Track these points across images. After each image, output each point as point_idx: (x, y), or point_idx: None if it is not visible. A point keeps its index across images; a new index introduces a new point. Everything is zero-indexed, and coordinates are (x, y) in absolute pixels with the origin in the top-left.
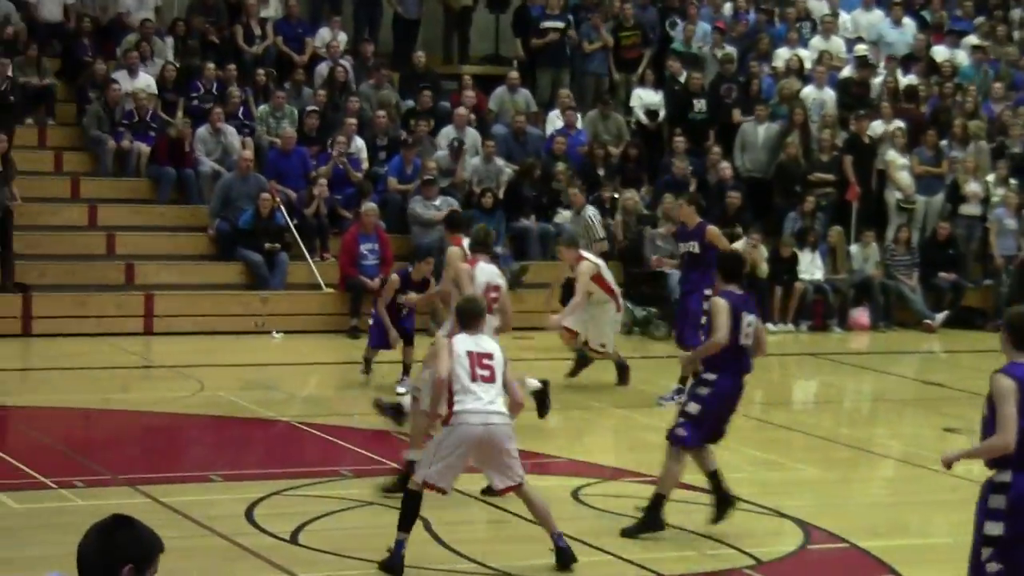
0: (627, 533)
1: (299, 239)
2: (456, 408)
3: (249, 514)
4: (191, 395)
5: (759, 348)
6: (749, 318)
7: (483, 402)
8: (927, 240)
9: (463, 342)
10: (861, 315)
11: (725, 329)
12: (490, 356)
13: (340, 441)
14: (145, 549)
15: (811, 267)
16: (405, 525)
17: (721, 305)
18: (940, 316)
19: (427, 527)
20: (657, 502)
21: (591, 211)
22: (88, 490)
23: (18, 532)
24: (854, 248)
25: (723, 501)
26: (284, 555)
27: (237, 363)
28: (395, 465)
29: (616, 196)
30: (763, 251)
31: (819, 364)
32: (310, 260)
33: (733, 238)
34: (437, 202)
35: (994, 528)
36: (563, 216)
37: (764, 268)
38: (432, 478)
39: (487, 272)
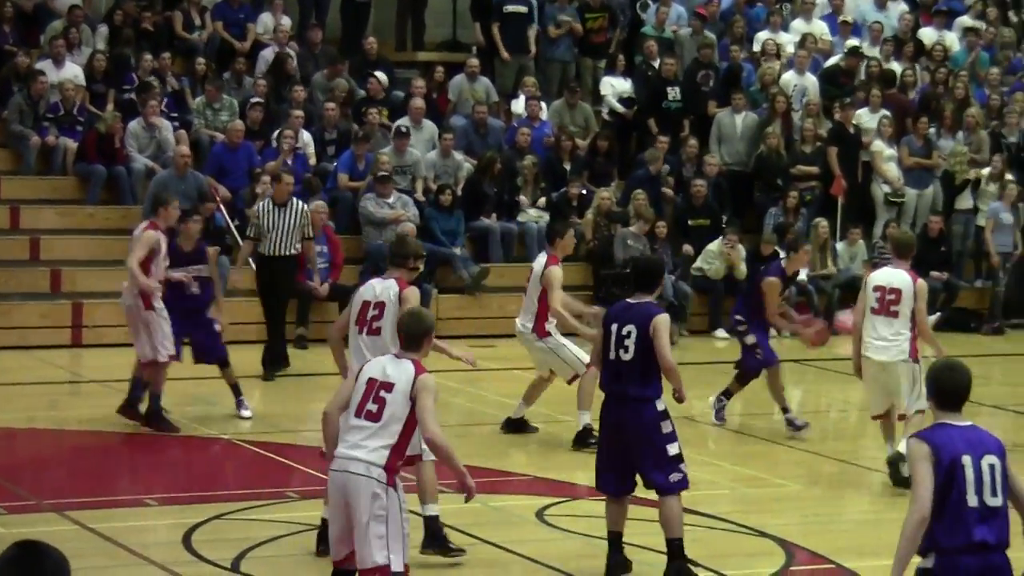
0: None
1: (241, 241)
2: None
3: (187, 540)
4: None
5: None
6: (628, 328)
7: (349, 444)
8: (918, 236)
9: (375, 366)
10: (848, 317)
11: (599, 344)
12: (389, 388)
13: (286, 460)
14: None
15: None
16: None
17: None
18: (932, 318)
19: None
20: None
21: None
22: (11, 517)
23: None
24: (840, 245)
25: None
26: None
27: (174, 377)
28: None
29: (584, 192)
30: (741, 251)
31: (803, 371)
32: (252, 264)
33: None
34: (391, 200)
35: None
36: (527, 215)
37: (742, 269)
38: (331, 552)
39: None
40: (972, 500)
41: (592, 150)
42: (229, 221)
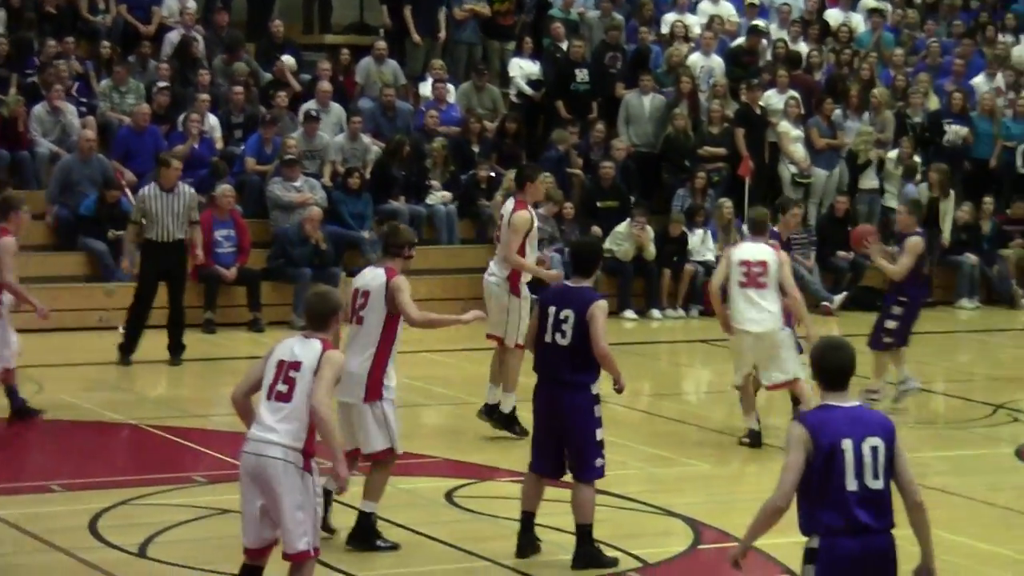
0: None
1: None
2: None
3: (93, 526)
4: (29, 398)
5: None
6: (565, 312)
7: (263, 427)
8: (824, 217)
9: (283, 347)
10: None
11: (528, 325)
12: (297, 367)
13: (194, 445)
14: None
15: (702, 247)
16: None
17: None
18: (838, 298)
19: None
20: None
21: None
22: None
23: None
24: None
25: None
26: (132, 570)
27: (79, 362)
28: None
29: (493, 175)
30: (650, 232)
31: (711, 352)
32: (136, 250)
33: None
34: (298, 183)
35: None
36: (435, 197)
37: (651, 250)
38: (243, 539)
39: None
40: (851, 484)
41: (500, 132)
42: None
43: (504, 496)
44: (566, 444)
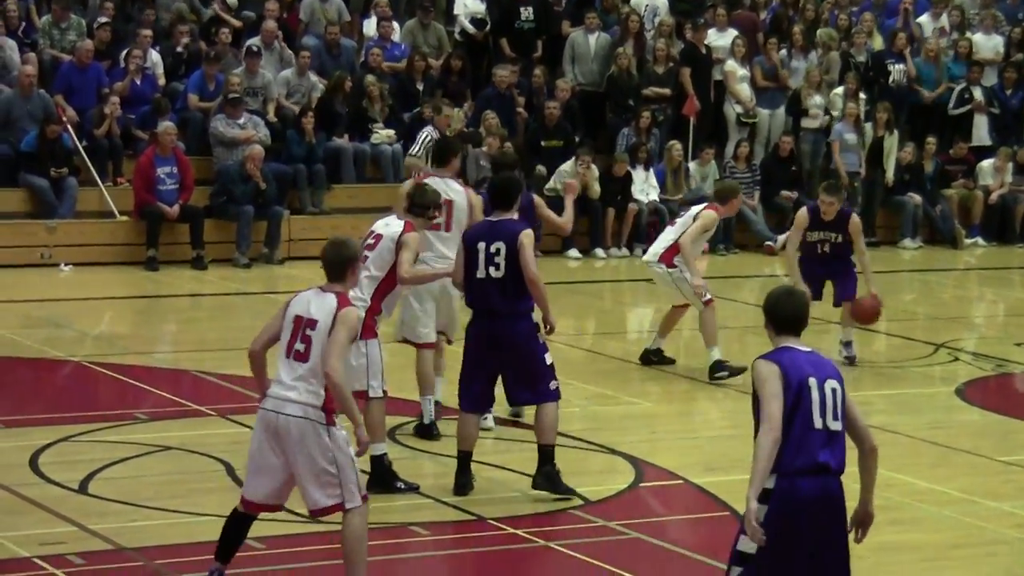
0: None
1: (89, 163)
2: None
3: (34, 462)
4: None
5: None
6: (496, 245)
7: (283, 385)
8: (768, 157)
9: (300, 302)
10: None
11: (455, 265)
12: (313, 325)
13: (136, 382)
14: None
15: (646, 187)
16: (221, 553)
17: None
18: (782, 237)
19: (229, 471)
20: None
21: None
22: None
23: None
24: (692, 166)
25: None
26: (72, 506)
27: (21, 299)
28: (194, 406)
29: (436, 115)
30: (594, 171)
31: (654, 291)
32: (102, 186)
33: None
34: (242, 121)
35: (747, 545)
36: (379, 135)
37: (596, 189)
38: (245, 490)
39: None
40: (817, 422)
41: (445, 70)
42: (77, 142)
43: (446, 434)
44: (515, 373)
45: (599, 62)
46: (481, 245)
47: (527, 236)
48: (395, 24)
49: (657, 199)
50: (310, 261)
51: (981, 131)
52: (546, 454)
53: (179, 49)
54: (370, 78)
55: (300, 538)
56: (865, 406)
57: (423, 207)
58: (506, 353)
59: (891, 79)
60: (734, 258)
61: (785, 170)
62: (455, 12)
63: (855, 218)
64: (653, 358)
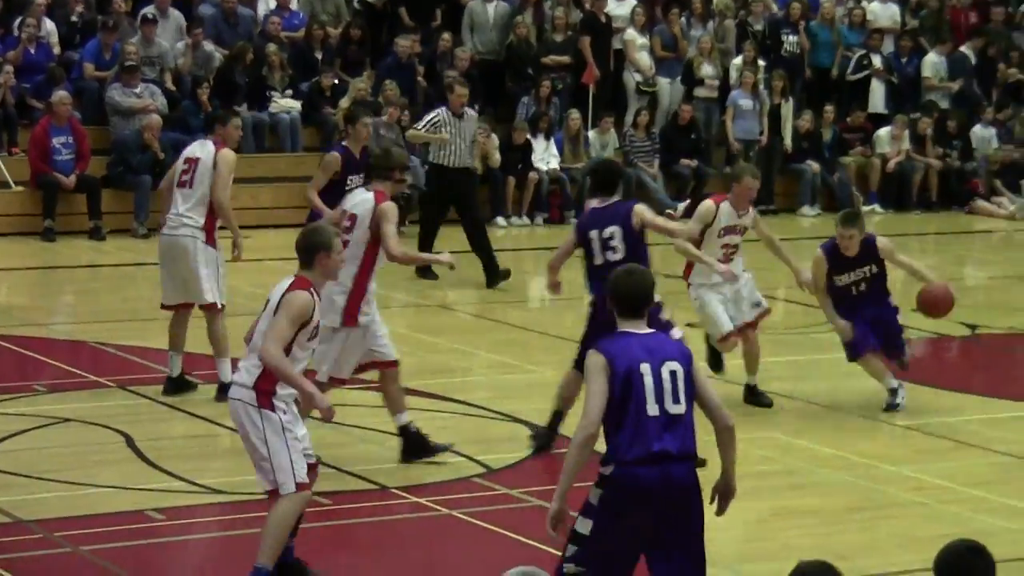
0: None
1: None
2: None
3: None
4: None
5: None
6: (609, 230)
7: (236, 369)
8: (668, 125)
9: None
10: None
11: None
12: (266, 305)
13: (34, 354)
14: None
15: (546, 155)
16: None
17: None
18: (682, 205)
19: (129, 443)
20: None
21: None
22: None
23: None
24: (592, 134)
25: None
26: None
27: None
28: (93, 378)
29: (337, 82)
30: (495, 140)
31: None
32: None
33: None
34: (138, 90)
35: (584, 526)
36: (279, 104)
37: (496, 158)
38: None
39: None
40: (652, 409)
41: (344, 39)
42: None
43: (348, 403)
44: None
45: (498, 31)
46: (594, 233)
47: (641, 207)
48: None
49: (557, 167)
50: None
51: (877, 99)
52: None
53: (74, 18)
54: (271, 47)
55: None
56: (764, 373)
57: (388, 169)
58: None
59: (783, 49)
60: None
61: (685, 138)
62: None
63: (882, 241)
64: (751, 397)
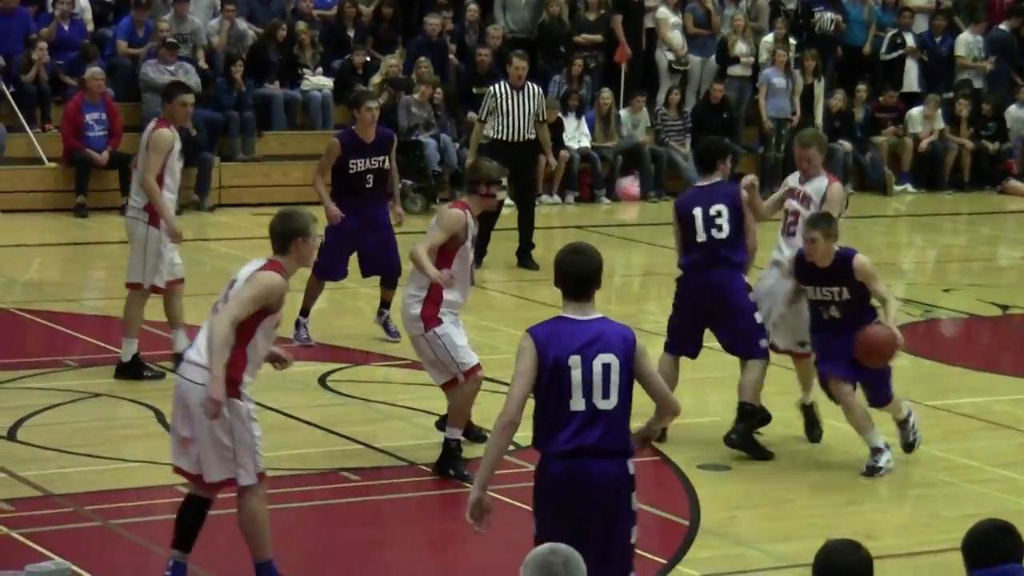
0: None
1: (16, 109)
2: None
3: None
4: None
5: None
6: (716, 208)
7: (195, 349)
8: (700, 104)
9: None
10: (630, 184)
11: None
12: (231, 285)
13: (65, 329)
14: None
15: (577, 134)
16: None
17: None
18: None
19: (159, 418)
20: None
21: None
22: None
23: None
24: (623, 113)
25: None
26: (1, 452)
27: None
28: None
29: (369, 60)
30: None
31: (586, 237)
32: (30, 132)
33: None
34: (172, 67)
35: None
36: (310, 82)
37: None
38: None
39: None
40: (577, 404)
41: (376, 17)
42: (4, 88)
43: (376, 380)
44: (717, 324)
45: (530, 9)
46: (698, 211)
47: (740, 187)
48: None
49: (588, 146)
50: (240, 208)
51: (911, 78)
52: (743, 411)
53: None
54: (302, 25)
55: None
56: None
57: (473, 183)
58: (716, 305)
59: (816, 27)
60: (665, 205)
61: (716, 117)
62: None
63: (859, 260)
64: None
